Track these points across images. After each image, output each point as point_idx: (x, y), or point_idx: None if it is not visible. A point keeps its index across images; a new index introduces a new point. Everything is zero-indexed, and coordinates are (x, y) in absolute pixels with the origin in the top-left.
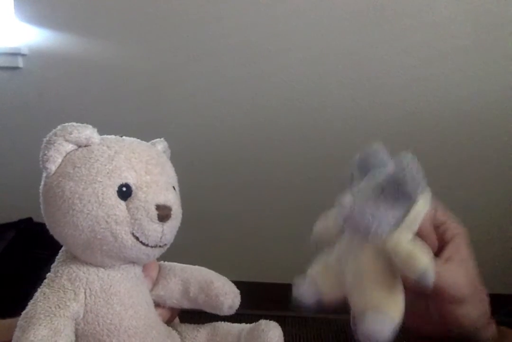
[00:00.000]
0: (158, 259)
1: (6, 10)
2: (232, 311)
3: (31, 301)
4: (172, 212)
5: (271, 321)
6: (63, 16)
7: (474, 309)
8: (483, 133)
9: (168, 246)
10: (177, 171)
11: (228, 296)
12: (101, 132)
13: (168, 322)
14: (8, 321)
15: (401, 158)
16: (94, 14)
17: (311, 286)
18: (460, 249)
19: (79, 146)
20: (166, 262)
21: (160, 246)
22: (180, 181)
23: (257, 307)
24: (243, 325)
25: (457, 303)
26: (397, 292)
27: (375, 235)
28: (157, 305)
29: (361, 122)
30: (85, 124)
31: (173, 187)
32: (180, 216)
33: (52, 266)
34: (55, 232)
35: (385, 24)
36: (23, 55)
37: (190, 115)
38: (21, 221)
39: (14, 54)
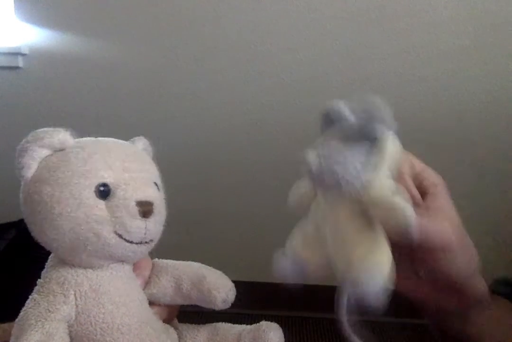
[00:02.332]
0: (152, 258)
1: (6, 9)
2: (227, 305)
3: (23, 309)
4: (154, 207)
5: (272, 322)
6: (63, 16)
7: (461, 257)
8: (483, 133)
9: (154, 242)
10: (178, 170)
11: (221, 290)
12: (102, 131)
13: (167, 321)
14: (5, 325)
15: (362, 100)
16: (94, 14)
17: (293, 257)
18: (439, 197)
19: (54, 151)
20: (158, 260)
21: (146, 242)
22: (180, 180)
23: (257, 307)
24: (244, 326)
25: (442, 252)
26: (383, 253)
27: (347, 185)
28: (152, 303)
29: None
30: (57, 129)
31: (155, 183)
32: (164, 211)
33: (42, 272)
34: (39, 238)
35: (385, 24)
36: (23, 54)
37: (190, 115)
38: (21, 221)
39: (14, 53)
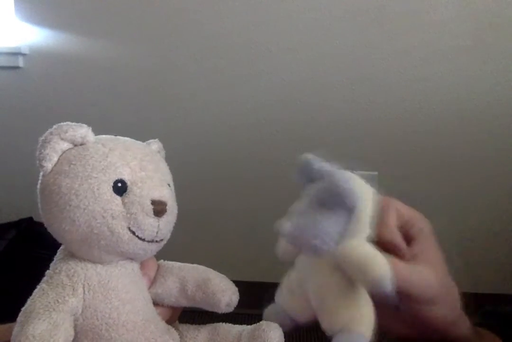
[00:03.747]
0: (157, 258)
1: (7, 9)
2: (230, 309)
3: (30, 297)
4: (167, 207)
5: (272, 322)
6: (64, 15)
7: (445, 308)
8: (483, 133)
9: (164, 241)
10: (178, 170)
11: (226, 293)
12: (102, 131)
13: (169, 323)
14: (6, 325)
15: (332, 172)
16: (95, 13)
17: (281, 313)
18: (425, 244)
19: (75, 145)
20: (164, 261)
21: (156, 241)
22: (181, 180)
23: (257, 307)
24: (244, 326)
25: (426, 304)
26: (363, 304)
27: (321, 250)
28: (156, 304)
29: (361, 122)
30: (80, 124)
31: (168, 184)
32: (176, 212)
33: (51, 264)
34: (53, 228)
35: (385, 24)
36: (23, 54)
37: (189, 115)
38: (21, 221)
39: (15, 53)
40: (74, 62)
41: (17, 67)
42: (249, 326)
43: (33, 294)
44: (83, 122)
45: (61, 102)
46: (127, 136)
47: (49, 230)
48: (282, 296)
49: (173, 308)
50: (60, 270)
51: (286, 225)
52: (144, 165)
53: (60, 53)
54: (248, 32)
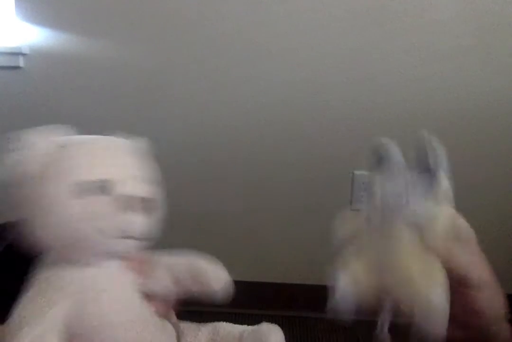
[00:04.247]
0: (150, 256)
1: (7, 9)
2: (224, 295)
3: (18, 306)
4: (152, 204)
5: (273, 325)
6: (64, 15)
7: (493, 297)
8: (484, 134)
9: (152, 238)
10: (178, 170)
11: (219, 281)
12: (102, 131)
13: (166, 315)
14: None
15: (421, 136)
16: (96, 13)
17: (349, 303)
18: (472, 249)
19: (55, 148)
20: (154, 255)
21: (143, 238)
22: (181, 180)
23: (257, 307)
24: (245, 326)
25: (478, 289)
26: (439, 273)
27: (411, 217)
28: (150, 298)
29: (362, 122)
30: (58, 126)
31: (152, 181)
32: (161, 208)
33: (35, 271)
34: (39, 236)
35: (386, 24)
36: (24, 54)
37: (189, 115)
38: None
39: (15, 53)
40: (75, 62)
41: (17, 67)
42: (249, 327)
43: (21, 301)
44: (83, 122)
45: (61, 102)
46: (128, 136)
47: (34, 237)
48: (349, 285)
49: (167, 300)
50: (45, 277)
51: (377, 188)
52: (127, 164)
53: (61, 53)
54: (249, 32)
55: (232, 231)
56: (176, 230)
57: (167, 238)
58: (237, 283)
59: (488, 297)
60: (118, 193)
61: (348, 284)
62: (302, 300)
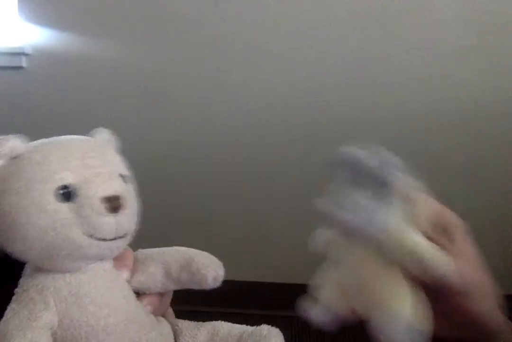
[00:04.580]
0: (136, 247)
1: (10, 9)
2: (217, 283)
3: (2, 319)
4: (122, 201)
5: (274, 328)
6: (67, 16)
7: (482, 301)
8: (484, 133)
9: (130, 235)
10: (178, 170)
11: (210, 268)
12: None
13: (162, 311)
14: None
15: (369, 151)
16: (98, 14)
17: (328, 312)
18: (460, 241)
19: (8, 160)
20: (142, 249)
21: (120, 237)
22: (181, 180)
23: (257, 307)
24: (244, 327)
25: (464, 294)
26: (403, 288)
27: (367, 232)
28: (142, 293)
29: (363, 122)
30: (5, 136)
31: (121, 175)
32: (135, 202)
33: (19, 281)
34: (11, 250)
35: (387, 24)
36: (26, 55)
37: (192, 115)
38: None
39: (18, 54)
40: (77, 62)
41: (20, 67)
42: (249, 328)
43: (5, 315)
44: (84, 122)
45: (64, 102)
46: (128, 136)
47: (8, 251)
48: (328, 293)
49: (161, 295)
50: (28, 287)
51: (329, 203)
52: (87, 163)
53: (63, 53)
54: (249, 32)
55: (232, 231)
56: (176, 230)
57: (167, 238)
58: (237, 283)
59: (476, 302)
60: (82, 196)
61: (325, 298)
62: (302, 300)
